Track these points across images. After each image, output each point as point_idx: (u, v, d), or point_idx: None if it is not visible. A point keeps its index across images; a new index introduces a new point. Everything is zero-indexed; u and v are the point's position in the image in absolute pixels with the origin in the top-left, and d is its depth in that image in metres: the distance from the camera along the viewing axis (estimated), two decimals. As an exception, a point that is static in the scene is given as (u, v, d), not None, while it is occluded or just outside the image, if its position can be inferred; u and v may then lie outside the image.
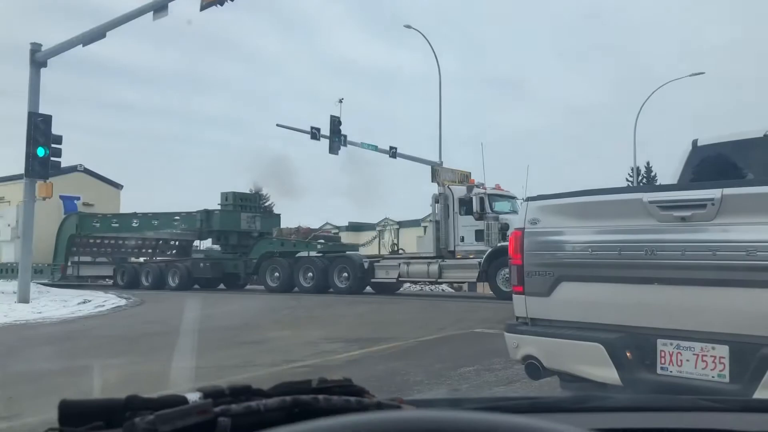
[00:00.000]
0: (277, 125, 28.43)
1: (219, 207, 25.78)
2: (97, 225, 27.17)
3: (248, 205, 26.62)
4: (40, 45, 16.83)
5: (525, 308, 3.98)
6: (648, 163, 44.45)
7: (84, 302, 16.90)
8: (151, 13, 15.30)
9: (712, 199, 3.29)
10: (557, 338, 3.77)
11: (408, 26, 27.99)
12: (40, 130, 15.88)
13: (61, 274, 26.04)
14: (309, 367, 6.76)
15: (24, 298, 16.06)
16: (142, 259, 28.71)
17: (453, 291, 19.21)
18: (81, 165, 30.75)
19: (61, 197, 26.96)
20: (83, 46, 16.34)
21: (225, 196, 26.18)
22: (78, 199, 29.70)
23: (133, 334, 10.43)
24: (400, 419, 0.38)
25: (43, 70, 16.83)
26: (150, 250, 29.99)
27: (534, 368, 3.84)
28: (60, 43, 16.83)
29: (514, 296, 4.07)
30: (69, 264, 26.87)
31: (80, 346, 9.20)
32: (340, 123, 26.14)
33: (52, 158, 16.21)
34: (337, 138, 25.96)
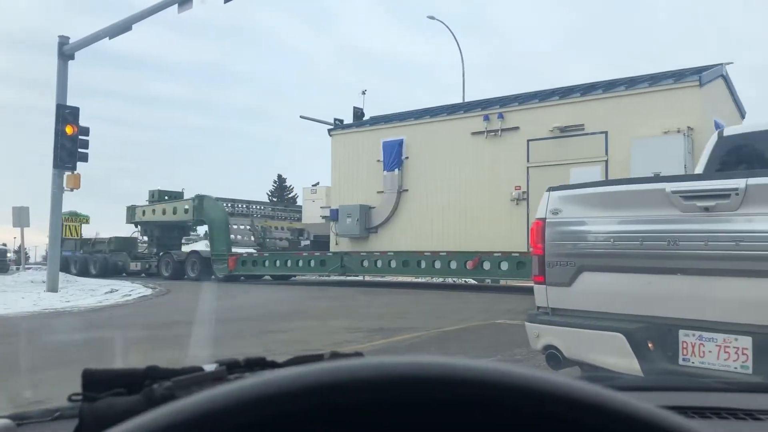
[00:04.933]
0: (301, 117, 28.65)
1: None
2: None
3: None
4: (68, 38, 17.07)
5: (546, 298, 3.98)
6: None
7: (111, 291, 17.19)
8: (176, 5, 15.43)
9: (736, 189, 3.26)
10: (578, 328, 3.77)
11: (431, 17, 27.87)
12: (67, 122, 16.13)
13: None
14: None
15: (53, 287, 16.37)
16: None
17: (476, 282, 19.20)
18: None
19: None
20: (109, 39, 16.54)
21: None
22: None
23: (156, 323, 10.59)
24: (351, 367, 0.39)
25: (70, 63, 17.09)
26: None
27: (555, 358, 3.84)
28: (87, 36, 17.05)
29: (535, 286, 4.07)
30: None
31: (106, 333, 9.37)
32: (362, 114, 26.17)
33: (79, 150, 16.46)
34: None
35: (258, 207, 26.72)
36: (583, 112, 15.31)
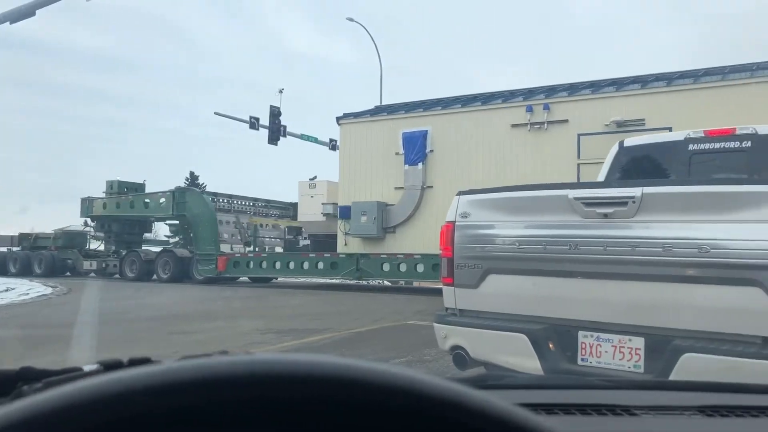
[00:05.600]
0: (215, 113, 28.01)
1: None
2: None
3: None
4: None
5: (454, 300, 4.05)
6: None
7: (6, 290, 16.26)
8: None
9: (633, 197, 3.42)
10: (483, 329, 3.85)
11: (350, 19, 27.93)
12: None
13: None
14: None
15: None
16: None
17: (390, 284, 19.31)
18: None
19: None
20: (10, 23, 15.67)
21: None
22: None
23: (57, 323, 10.09)
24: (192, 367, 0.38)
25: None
26: None
27: (461, 358, 3.92)
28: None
29: (444, 288, 4.13)
30: None
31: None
32: (279, 113, 25.92)
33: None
34: (276, 128, 25.73)
35: (243, 202, 23.70)
36: (644, 105, 13.86)
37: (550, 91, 15.94)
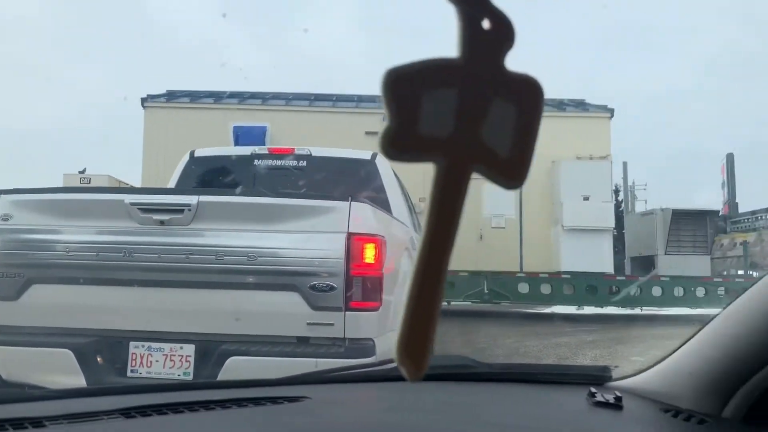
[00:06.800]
0: None
1: None
2: None
3: None
4: None
5: None
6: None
7: None
8: None
9: (189, 205, 3.44)
10: (21, 346, 3.43)
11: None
12: None
13: None
14: None
15: None
16: None
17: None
18: None
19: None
20: None
21: None
22: None
23: None
24: None
25: None
26: None
27: (-8, 382, 3.42)
28: None
29: None
30: None
31: None
32: None
33: None
34: None
35: None
36: None
37: None
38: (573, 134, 14.35)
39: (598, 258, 13.50)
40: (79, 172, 16.99)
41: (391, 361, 1.64)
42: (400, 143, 0.38)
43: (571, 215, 13.50)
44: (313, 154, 5.32)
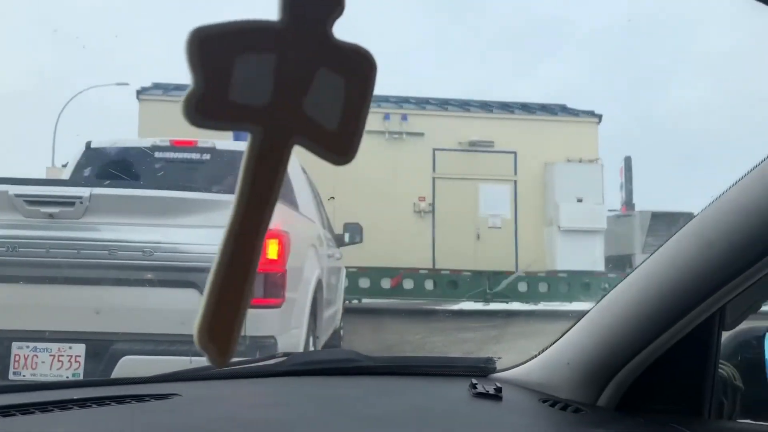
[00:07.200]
0: None
1: None
2: None
3: None
4: None
5: None
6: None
7: None
8: None
9: (81, 198, 3.28)
10: None
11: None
12: None
13: None
14: None
15: None
16: None
17: None
18: None
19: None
20: None
21: None
22: None
23: None
24: None
25: None
26: None
27: None
28: None
29: None
30: None
31: None
32: None
33: None
34: None
35: None
36: (494, 128, 14.40)
37: (404, 102, 15.27)
38: (563, 138, 14.92)
39: (591, 257, 14.17)
40: (63, 166, 16.05)
41: (273, 356, 1.61)
42: (207, 108, 0.35)
43: (567, 216, 14.04)
44: (218, 147, 5.16)
